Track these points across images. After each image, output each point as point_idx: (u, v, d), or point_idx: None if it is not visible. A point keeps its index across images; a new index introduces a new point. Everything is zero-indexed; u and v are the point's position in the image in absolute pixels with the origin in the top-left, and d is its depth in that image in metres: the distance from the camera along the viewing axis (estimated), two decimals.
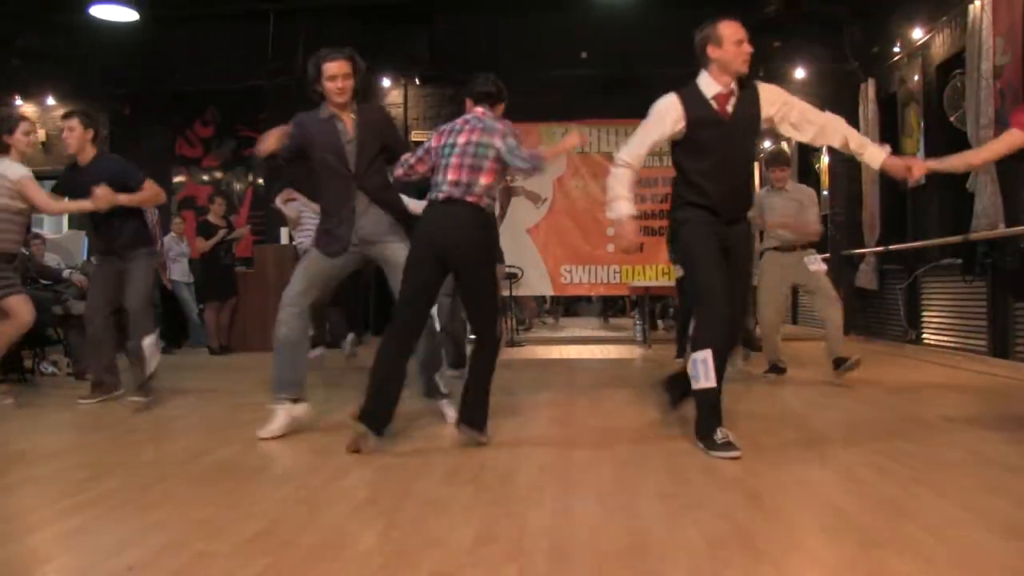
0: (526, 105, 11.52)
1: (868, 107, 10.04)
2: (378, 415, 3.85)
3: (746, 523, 2.64)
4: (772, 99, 3.94)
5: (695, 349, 3.83)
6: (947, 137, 8.36)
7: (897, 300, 9.26)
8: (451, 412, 4.50)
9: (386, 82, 11.64)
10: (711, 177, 3.88)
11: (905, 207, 9.33)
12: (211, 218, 9.85)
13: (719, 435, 3.72)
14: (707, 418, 3.80)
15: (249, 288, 9.90)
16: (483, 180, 3.96)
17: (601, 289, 12.02)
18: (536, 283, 11.64)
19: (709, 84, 3.87)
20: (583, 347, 10.22)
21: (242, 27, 11.27)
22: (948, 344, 8.17)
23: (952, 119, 8.24)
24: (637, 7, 10.46)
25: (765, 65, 10.59)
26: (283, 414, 4.27)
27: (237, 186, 11.93)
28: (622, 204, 3.91)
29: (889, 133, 9.40)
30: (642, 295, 10.71)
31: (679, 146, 3.96)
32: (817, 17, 10.31)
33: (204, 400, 5.65)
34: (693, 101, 3.86)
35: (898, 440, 3.95)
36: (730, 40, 3.82)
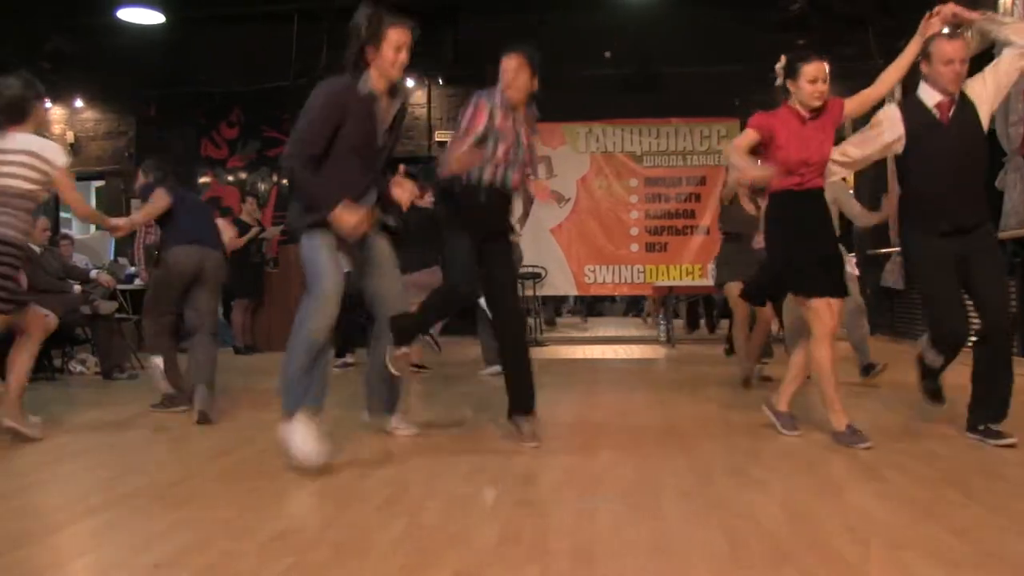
0: (549, 105, 11.52)
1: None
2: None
3: (769, 524, 2.63)
4: (976, 93, 3.92)
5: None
6: None
7: None
8: (405, 429, 4.25)
9: (410, 82, 11.67)
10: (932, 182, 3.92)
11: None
12: (244, 217, 9.95)
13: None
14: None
15: (274, 288, 9.97)
16: None
17: (625, 289, 12.00)
18: (560, 283, 11.63)
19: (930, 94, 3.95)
20: (607, 347, 10.20)
21: (266, 28, 11.33)
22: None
23: None
24: (661, 7, 10.42)
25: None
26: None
27: (262, 186, 12.00)
28: None
29: None
30: (666, 295, 10.67)
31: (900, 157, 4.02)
32: (842, 14, 10.23)
33: (229, 399, 5.68)
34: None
35: (925, 441, 3.92)
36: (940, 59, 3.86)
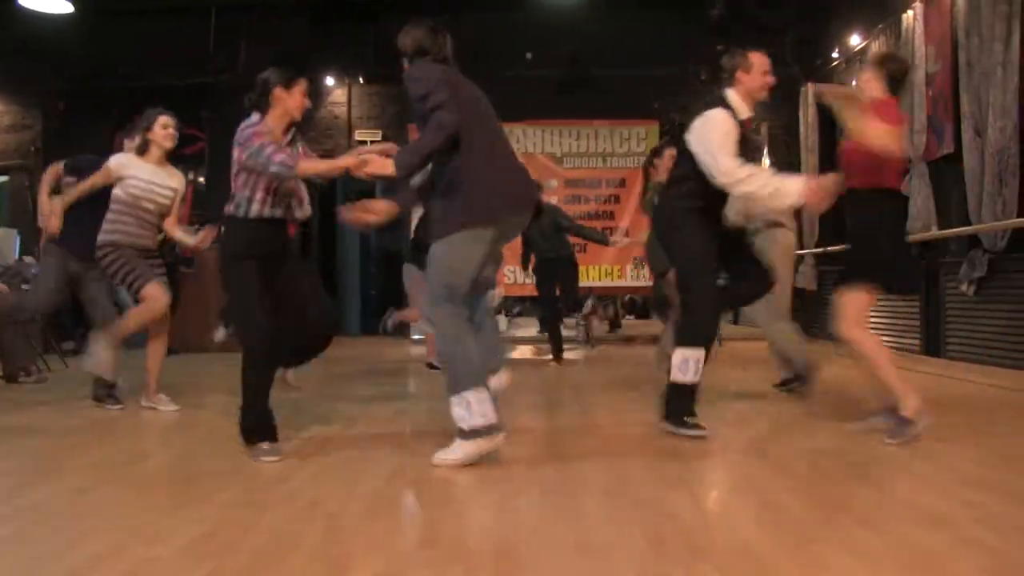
0: None
1: (808, 110, 10.26)
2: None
3: (688, 521, 2.68)
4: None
5: (686, 346, 4.02)
6: None
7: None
8: None
9: (330, 81, 11.55)
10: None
11: (842, 209, 9.51)
12: None
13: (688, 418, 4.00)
14: (679, 403, 4.05)
15: (189, 289, 9.72)
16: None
17: None
18: None
19: (740, 107, 4.09)
20: (524, 347, 10.25)
21: (184, 21, 11.08)
22: (883, 344, 8.34)
23: None
24: (585, 8, 10.52)
25: (709, 67, 10.74)
26: None
27: None
28: (788, 182, 4.04)
29: (828, 136, 9.62)
30: (584, 295, 10.76)
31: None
32: (760, 21, 10.49)
33: (138, 401, 5.54)
34: (735, 120, 4.04)
35: (835, 437, 4.04)
36: (759, 69, 4.08)
